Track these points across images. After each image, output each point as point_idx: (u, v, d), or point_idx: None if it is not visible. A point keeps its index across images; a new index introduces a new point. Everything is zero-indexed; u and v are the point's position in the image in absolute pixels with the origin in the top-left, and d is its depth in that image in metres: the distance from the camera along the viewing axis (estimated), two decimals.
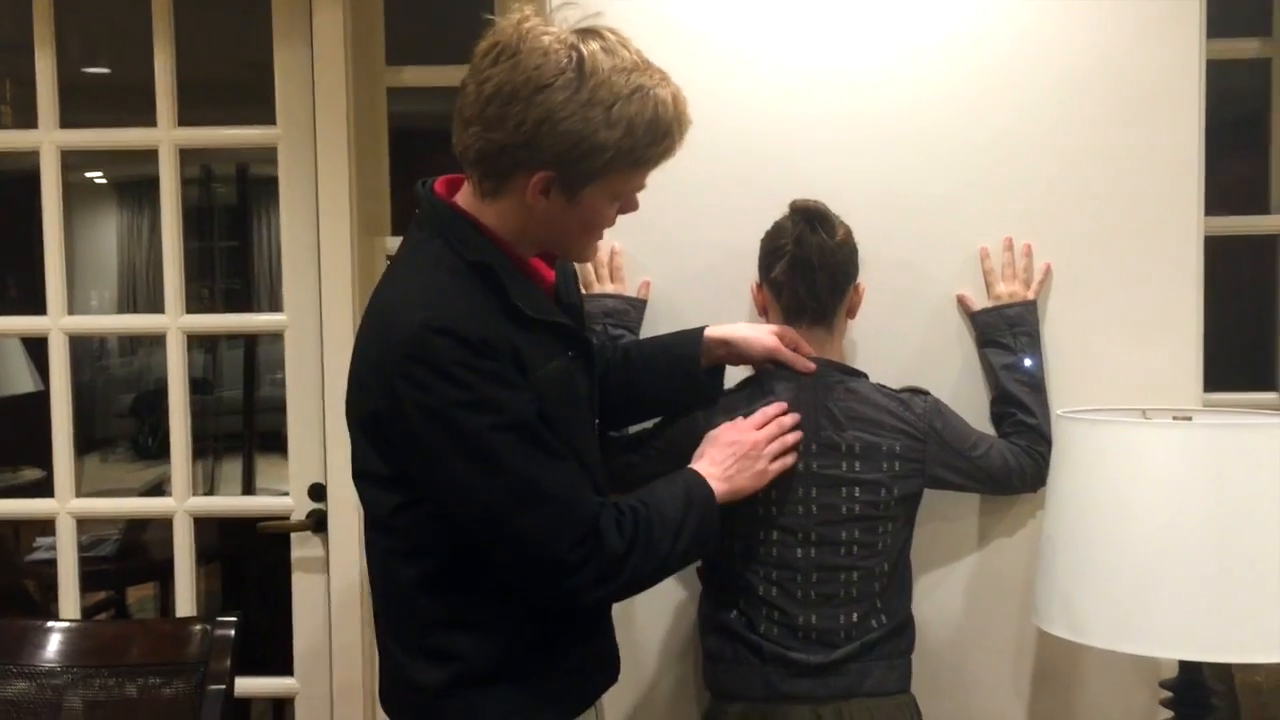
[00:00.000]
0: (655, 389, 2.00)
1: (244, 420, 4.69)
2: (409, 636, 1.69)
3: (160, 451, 6.86)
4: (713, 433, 1.90)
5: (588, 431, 1.79)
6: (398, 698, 1.74)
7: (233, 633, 2.22)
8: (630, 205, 1.71)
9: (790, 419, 1.92)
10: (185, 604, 2.75)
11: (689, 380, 1.98)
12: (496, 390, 1.56)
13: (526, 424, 1.57)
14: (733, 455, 1.85)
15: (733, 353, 2.00)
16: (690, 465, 1.84)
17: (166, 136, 2.66)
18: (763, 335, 1.99)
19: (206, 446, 5.44)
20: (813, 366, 1.97)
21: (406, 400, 1.55)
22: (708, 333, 1.99)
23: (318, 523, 2.68)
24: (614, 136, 1.55)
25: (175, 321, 2.70)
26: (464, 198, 1.68)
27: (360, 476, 1.70)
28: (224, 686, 2.18)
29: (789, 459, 1.91)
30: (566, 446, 1.64)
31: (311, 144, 2.61)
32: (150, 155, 2.68)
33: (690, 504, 1.75)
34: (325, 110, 2.59)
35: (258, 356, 4.72)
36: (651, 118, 1.57)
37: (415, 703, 1.70)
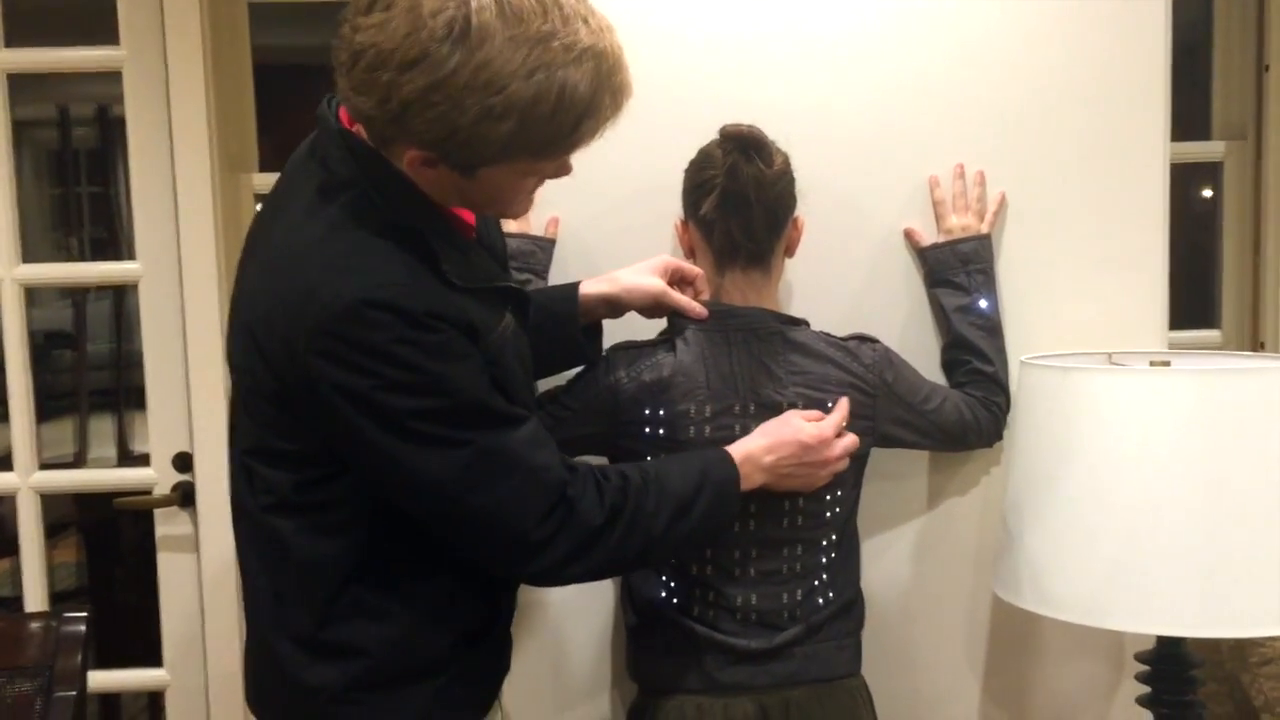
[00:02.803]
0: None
1: (114, 376, 4.41)
2: (305, 629, 1.45)
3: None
4: (790, 415, 1.69)
5: (531, 394, 1.59)
6: (281, 700, 1.51)
7: (83, 628, 1.99)
8: (560, 173, 1.42)
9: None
10: (36, 593, 2.48)
11: (567, 344, 1.76)
12: (443, 365, 1.33)
13: (476, 401, 1.37)
14: (796, 457, 1.65)
15: (617, 309, 1.79)
16: (742, 441, 1.64)
17: None
18: (644, 280, 1.77)
19: (78, 402, 5.13)
20: (704, 311, 1.76)
21: (325, 381, 1.31)
22: (583, 289, 1.77)
23: (185, 496, 2.45)
24: (501, 129, 1.25)
25: (10, 273, 2.41)
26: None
27: (254, 453, 1.45)
28: (74, 691, 1.94)
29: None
30: (523, 408, 1.45)
31: (162, 67, 2.34)
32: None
33: (705, 482, 1.55)
34: (177, 28, 2.32)
35: (126, 307, 4.43)
36: (554, 107, 1.25)
37: (305, 709, 1.47)
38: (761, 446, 1.63)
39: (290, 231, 1.39)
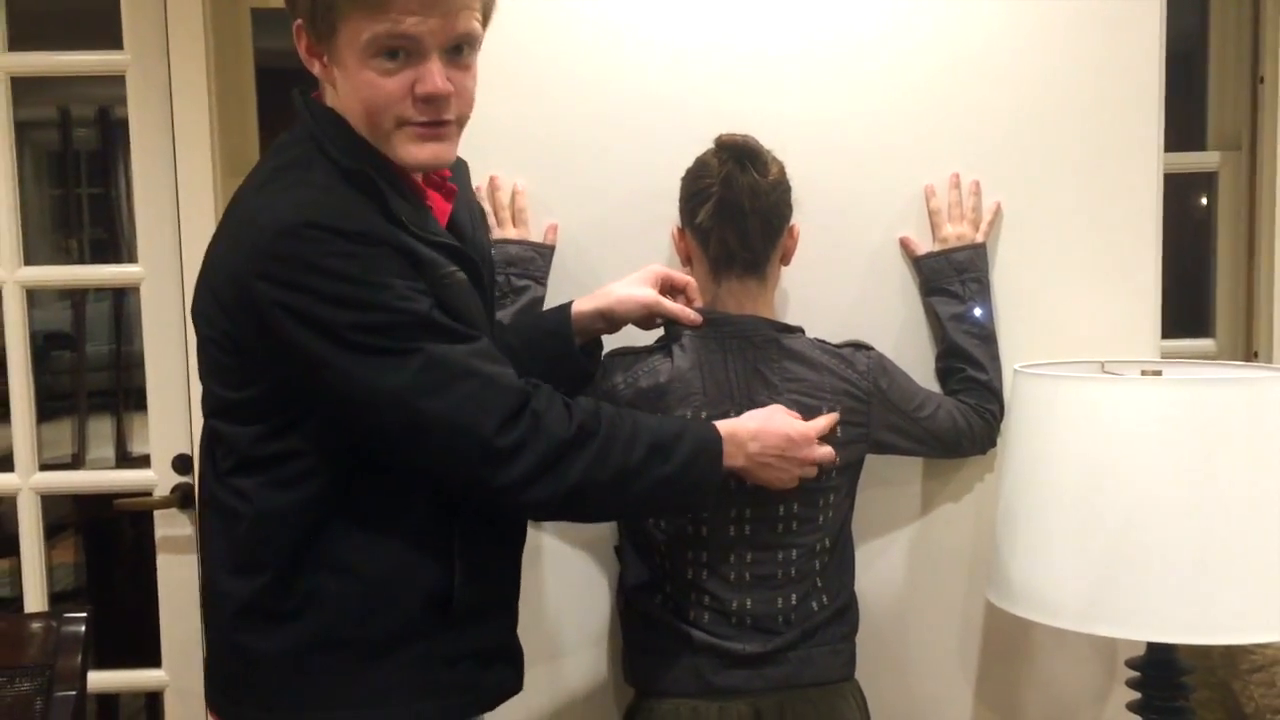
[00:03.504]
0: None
1: (113, 377, 4.40)
2: (265, 591, 1.43)
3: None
4: (777, 409, 1.67)
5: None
6: (239, 678, 1.48)
7: (83, 628, 2.00)
8: (425, 81, 1.37)
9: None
10: (35, 594, 2.48)
11: (565, 362, 1.74)
12: (382, 278, 1.35)
13: (420, 315, 1.37)
14: (779, 449, 1.63)
15: (613, 323, 1.78)
16: (729, 420, 1.63)
17: None
18: (636, 291, 1.76)
19: (76, 403, 5.13)
20: (698, 319, 1.76)
21: (266, 301, 1.34)
22: (576, 308, 1.76)
23: (184, 498, 2.45)
24: None
25: (12, 275, 2.41)
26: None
27: (215, 414, 1.47)
28: (74, 691, 1.95)
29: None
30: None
31: (165, 71, 2.35)
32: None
33: (686, 433, 1.53)
34: (179, 33, 2.33)
35: (126, 309, 4.43)
36: None
37: (257, 680, 1.45)
38: (748, 430, 1.61)
39: (249, 186, 1.45)
